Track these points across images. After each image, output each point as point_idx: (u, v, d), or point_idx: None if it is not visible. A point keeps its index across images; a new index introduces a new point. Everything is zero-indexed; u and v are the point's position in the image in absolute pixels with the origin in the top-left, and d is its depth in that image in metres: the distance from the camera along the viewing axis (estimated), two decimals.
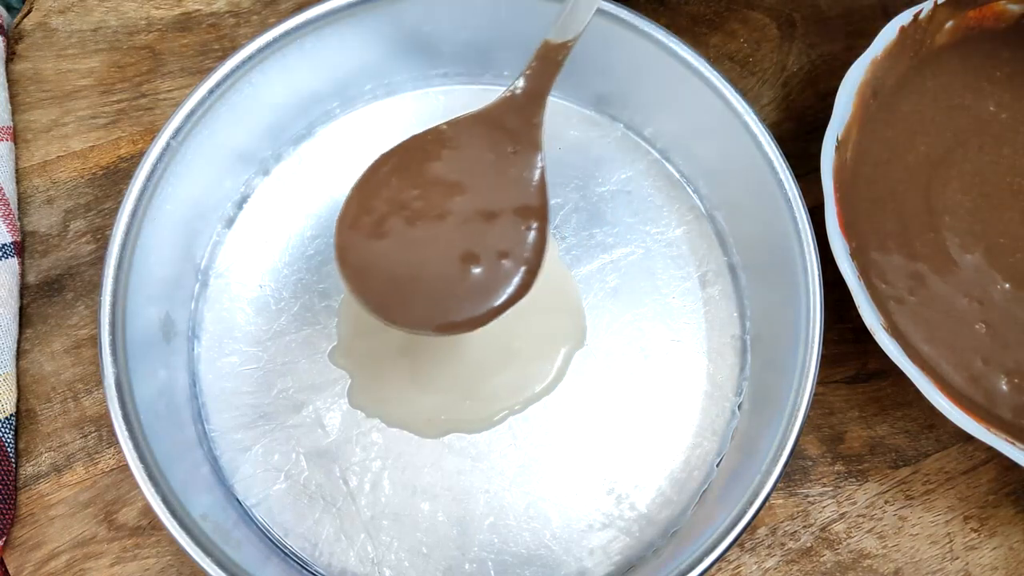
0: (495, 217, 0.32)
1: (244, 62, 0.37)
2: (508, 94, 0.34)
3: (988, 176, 0.42)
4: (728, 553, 0.35)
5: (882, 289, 0.39)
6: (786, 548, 0.39)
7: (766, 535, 0.39)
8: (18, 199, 0.43)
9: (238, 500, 0.37)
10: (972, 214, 0.41)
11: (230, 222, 0.41)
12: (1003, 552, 0.40)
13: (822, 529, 0.40)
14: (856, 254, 0.38)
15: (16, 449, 0.39)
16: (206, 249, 0.41)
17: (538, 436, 0.39)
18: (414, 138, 0.34)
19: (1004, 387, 0.38)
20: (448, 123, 0.34)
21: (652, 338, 0.41)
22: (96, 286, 0.41)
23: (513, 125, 0.34)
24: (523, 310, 0.40)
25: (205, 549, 0.32)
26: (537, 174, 0.33)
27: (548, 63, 0.34)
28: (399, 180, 0.33)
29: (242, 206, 0.42)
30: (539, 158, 0.33)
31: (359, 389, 0.39)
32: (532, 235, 0.32)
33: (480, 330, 0.38)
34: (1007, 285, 0.39)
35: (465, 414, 0.39)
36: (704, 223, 0.42)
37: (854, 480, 0.41)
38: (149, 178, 0.36)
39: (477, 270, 0.32)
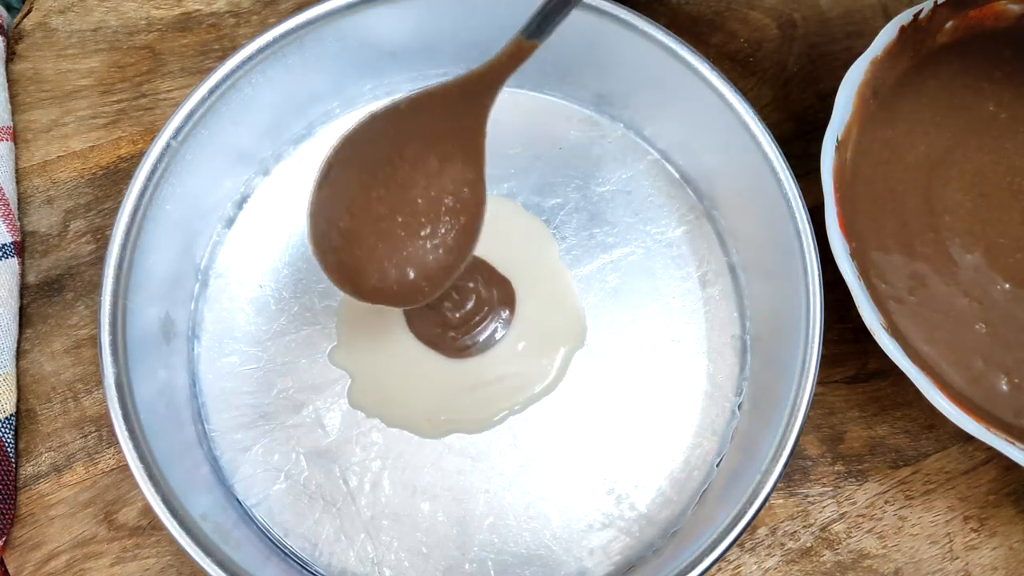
0: (436, 195, 0.34)
1: (244, 62, 0.37)
2: (467, 76, 0.35)
3: (988, 176, 0.41)
4: (728, 553, 0.35)
5: (882, 289, 0.39)
6: (786, 548, 0.39)
7: (766, 535, 0.39)
8: (18, 199, 0.43)
9: (238, 500, 0.37)
10: (972, 214, 0.41)
11: (230, 222, 0.41)
12: (1003, 552, 0.40)
13: (822, 529, 0.40)
14: (856, 254, 0.38)
15: (16, 449, 0.39)
16: (206, 249, 0.41)
17: (538, 436, 0.39)
18: (371, 118, 0.35)
19: (1004, 387, 0.38)
20: (405, 100, 0.35)
21: (652, 338, 0.41)
22: (96, 286, 0.41)
23: (462, 108, 0.35)
24: (523, 309, 0.40)
25: (205, 549, 0.32)
26: (477, 157, 0.35)
27: (513, 58, 0.34)
28: (360, 163, 0.34)
29: (242, 206, 0.42)
30: (482, 140, 0.35)
31: (359, 389, 0.39)
32: (463, 220, 0.34)
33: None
34: (1007, 285, 0.39)
35: (465, 414, 0.39)
36: (704, 223, 0.42)
37: (854, 480, 0.41)
38: (149, 178, 0.36)
39: (421, 243, 0.34)
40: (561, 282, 0.41)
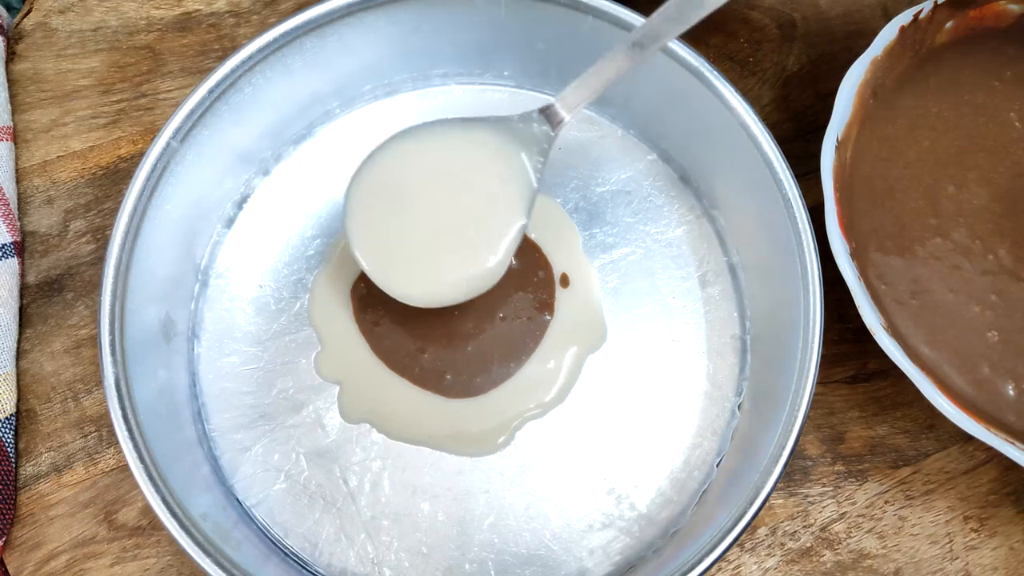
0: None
1: (244, 62, 0.37)
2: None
3: (993, 179, 0.41)
4: (728, 553, 0.35)
5: (882, 290, 0.39)
6: (786, 548, 0.39)
7: (766, 535, 0.39)
8: (18, 199, 0.43)
9: (238, 500, 0.37)
10: (974, 215, 0.41)
11: (230, 222, 0.41)
12: (1003, 552, 0.40)
13: (822, 529, 0.40)
14: (856, 254, 0.38)
15: (16, 449, 0.39)
16: (206, 249, 0.41)
17: (538, 436, 0.39)
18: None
19: (1011, 392, 0.37)
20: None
21: (652, 338, 0.40)
22: (96, 286, 0.41)
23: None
24: (558, 309, 0.40)
25: (205, 549, 0.32)
26: None
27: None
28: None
29: (242, 206, 0.42)
30: None
31: (349, 403, 0.39)
32: None
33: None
34: (1010, 287, 0.39)
35: (470, 426, 0.39)
36: (704, 223, 0.42)
37: (854, 480, 0.41)
38: (149, 178, 0.36)
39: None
40: (588, 278, 0.41)
